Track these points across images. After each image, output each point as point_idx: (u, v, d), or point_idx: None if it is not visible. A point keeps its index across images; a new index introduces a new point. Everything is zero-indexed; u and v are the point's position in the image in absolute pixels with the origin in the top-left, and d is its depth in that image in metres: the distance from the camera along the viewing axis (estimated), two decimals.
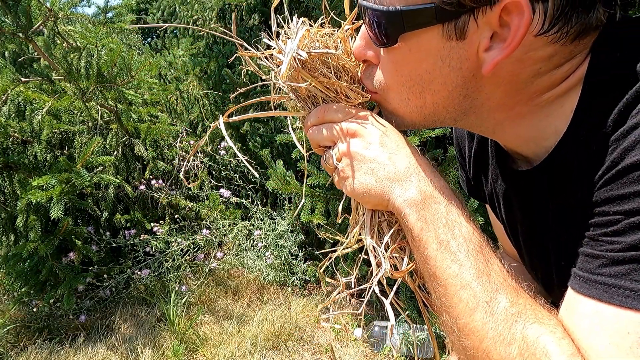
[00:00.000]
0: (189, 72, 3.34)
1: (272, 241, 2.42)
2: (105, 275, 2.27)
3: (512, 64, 0.43)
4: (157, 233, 2.41)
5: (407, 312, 1.82)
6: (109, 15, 2.43)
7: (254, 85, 0.65)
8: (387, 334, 1.83)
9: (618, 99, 0.41)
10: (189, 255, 2.48)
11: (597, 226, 0.42)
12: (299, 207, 2.01)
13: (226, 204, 2.57)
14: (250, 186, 2.66)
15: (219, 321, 2.15)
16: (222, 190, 2.61)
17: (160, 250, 2.38)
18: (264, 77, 0.56)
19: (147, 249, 2.38)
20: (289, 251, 2.38)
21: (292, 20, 0.53)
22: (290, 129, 0.60)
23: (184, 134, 2.90)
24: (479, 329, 0.44)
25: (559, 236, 0.51)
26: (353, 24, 0.55)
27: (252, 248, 2.48)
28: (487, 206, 0.77)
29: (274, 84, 0.55)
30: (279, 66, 0.52)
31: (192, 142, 2.78)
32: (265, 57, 0.54)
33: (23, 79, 2.16)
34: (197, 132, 3.02)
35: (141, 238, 2.36)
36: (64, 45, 2.41)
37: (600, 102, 0.43)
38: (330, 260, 0.57)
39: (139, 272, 2.33)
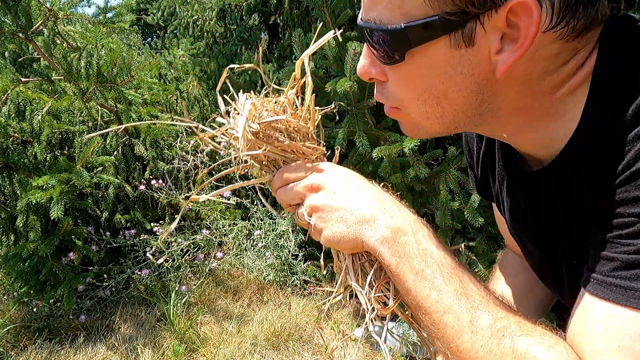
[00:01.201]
0: (189, 72, 3.34)
1: (272, 241, 2.42)
2: (105, 275, 2.27)
3: (523, 64, 0.43)
4: (157, 233, 2.41)
5: (407, 312, 1.82)
6: (109, 15, 2.43)
7: (218, 162, 0.69)
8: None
9: (628, 94, 0.41)
10: (189, 255, 2.48)
11: (611, 228, 0.41)
12: None
13: (226, 204, 2.57)
14: (250, 186, 2.67)
15: (219, 321, 2.15)
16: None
17: (160, 250, 2.38)
18: (223, 153, 0.59)
19: (147, 249, 2.38)
20: (289, 251, 2.38)
21: (238, 97, 0.56)
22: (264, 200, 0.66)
23: (184, 134, 2.90)
24: (469, 349, 0.45)
25: (568, 237, 0.51)
26: (293, 87, 0.57)
27: (252, 248, 2.48)
28: (494, 205, 0.77)
29: (234, 157, 0.57)
30: (236, 139, 0.55)
31: (192, 142, 2.78)
32: (222, 134, 0.57)
33: (23, 79, 2.16)
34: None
35: (141, 238, 2.36)
36: (64, 45, 2.41)
37: (609, 99, 0.42)
38: (326, 307, 0.59)
39: (139, 272, 2.33)
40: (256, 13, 3.53)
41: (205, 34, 3.99)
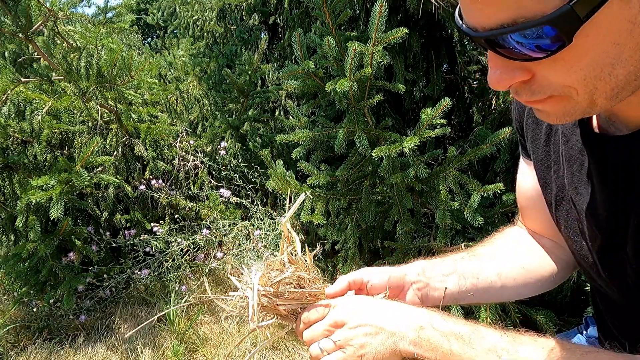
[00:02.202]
0: (189, 72, 3.34)
1: (272, 241, 2.42)
2: (105, 275, 2.27)
3: None
4: (157, 233, 2.41)
5: None
6: (109, 15, 2.43)
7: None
8: None
9: None
10: (189, 255, 2.48)
11: None
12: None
13: (226, 204, 2.56)
14: (250, 186, 2.66)
15: (219, 321, 2.15)
16: (222, 190, 2.60)
17: (160, 250, 2.38)
18: (247, 318, 0.66)
19: (147, 249, 2.38)
20: None
21: (249, 269, 0.66)
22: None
23: (184, 134, 2.90)
24: None
25: None
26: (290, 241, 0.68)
27: (252, 248, 2.48)
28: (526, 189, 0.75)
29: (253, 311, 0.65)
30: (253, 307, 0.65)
31: (192, 142, 2.78)
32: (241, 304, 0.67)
33: (23, 79, 2.16)
34: (197, 132, 3.03)
35: (141, 238, 2.36)
36: (64, 45, 2.41)
37: None
38: None
39: (139, 272, 2.33)
40: (256, 13, 3.53)
41: (205, 34, 3.99)
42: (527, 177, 0.75)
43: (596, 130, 0.55)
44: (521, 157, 0.76)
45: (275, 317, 0.67)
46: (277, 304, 0.65)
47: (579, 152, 0.57)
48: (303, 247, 0.70)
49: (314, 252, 0.72)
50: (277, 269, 0.66)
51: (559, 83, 0.42)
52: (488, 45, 0.41)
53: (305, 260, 0.69)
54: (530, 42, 0.38)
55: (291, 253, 0.69)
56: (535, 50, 0.39)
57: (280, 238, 2.44)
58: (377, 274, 0.69)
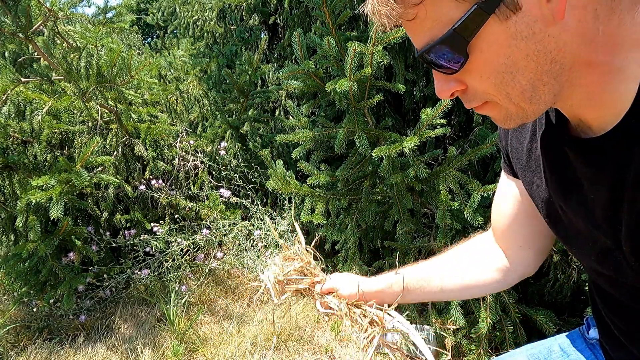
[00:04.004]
0: (189, 72, 3.34)
1: (272, 241, 2.42)
2: (105, 275, 2.27)
3: (572, 9, 0.44)
4: (157, 233, 2.41)
5: (406, 312, 1.82)
6: (109, 15, 2.43)
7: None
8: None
9: None
10: (189, 255, 2.48)
11: None
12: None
13: (226, 204, 2.56)
14: (250, 186, 2.66)
15: (219, 321, 2.15)
16: (222, 190, 2.61)
17: (160, 250, 2.38)
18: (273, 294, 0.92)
19: (147, 249, 2.38)
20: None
21: (272, 258, 0.94)
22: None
23: (184, 134, 2.90)
24: None
25: None
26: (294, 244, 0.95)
27: (252, 248, 2.48)
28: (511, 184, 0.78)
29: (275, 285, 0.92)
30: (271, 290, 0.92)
31: (192, 142, 2.78)
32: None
33: (23, 79, 2.16)
34: (197, 132, 3.02)
35: (141, 238, 2.36)
36: (63, 45, 2.41)
37: None
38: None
39: (139, 272, 2.33)
40: (256, 13, 3.53)
41: (205, 34, 3.99)
42: (507, 198, 0.79)
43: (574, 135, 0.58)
44: (502, 176, 0.80)
45: (290, 293, 0.91)
46: (288, 287, 0.90)
47: (561, 159, 0.59)
48: (309, 242, 0.96)
49: (313, 244, 0.97)
50: (290, 258, 0.92)
51: (481, 90, 0.51)
52: (424, 62, 0.52)
53: (310, 253, 0.94)
54: (445, 58, 0.49)
55: (298, 248, 0.94)
56: (451, 64, 0.49)
57: (280, 237, 2.45)
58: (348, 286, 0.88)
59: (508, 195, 0.78)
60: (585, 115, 0.53)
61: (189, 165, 2.71)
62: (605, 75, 0.48)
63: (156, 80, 2.99)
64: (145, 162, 2.54)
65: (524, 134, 0.69)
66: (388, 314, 0.83)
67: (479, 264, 0.86)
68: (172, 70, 3.49)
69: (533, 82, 0.48)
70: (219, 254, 2.53)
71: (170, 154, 2.65)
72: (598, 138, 0.52)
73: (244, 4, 3.51)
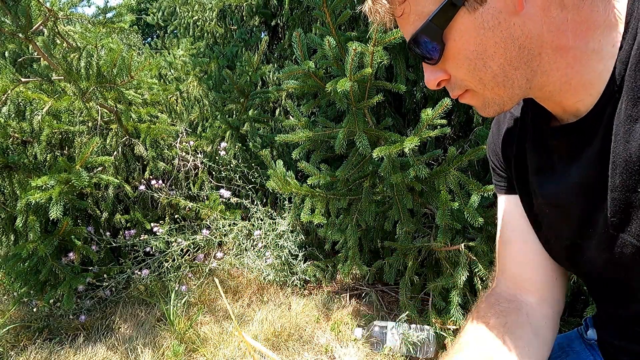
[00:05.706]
0: (189, 72, 3.34)
1: (272, 241, 2.42)
2: (105, 275, 2.27)
3: (532, 0, 0.47)
4: (157, 233, 2.41)
5: (407, 312, 1.82)
6: (109, 15, 2.43)
7: None
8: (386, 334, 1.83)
9: None
10: (189, 255, 2.48)
11: None
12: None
13: (226, 204, 2.56)
14: (250, 186, 2.66)
15: (219, 321, 2.15)
16: (222, 190, 2.60)
17: (160, 250, 2.38)
18: None
19: (147, 249, 2.38)
20: (289, 251, 2.38)
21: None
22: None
23: (184, 134, 2.90)
24: None
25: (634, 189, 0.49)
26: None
27: (252, 248, 2.48)
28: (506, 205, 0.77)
29: None
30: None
31: (192, 142, 2.78)
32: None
33: (23, 79, 2.16)
34: (197, 132, 3.02)
35: (141, 238, 2.36)
36: (63, 45, 2.41)
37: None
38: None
39: (138, 272, 2.33)
40: (257, 14, 3.53)
41: (205, 34, 3.99)
42: (516, 233, 0.74)
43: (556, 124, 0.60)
44: (500, 202, 0.78)
45: None
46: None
47: (547, 152, 0.62)
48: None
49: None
50: None
51: (460, 78, 0.56)
52: (412, 52, 0.57)
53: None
54: (426, 48, 0.54)
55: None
56: (432, 54, 0.54)
57: (280, 238, 2.45)
58: None
59: (517, 230, 0.73)
60: (567, 101, 0.55)
61: (189, 165, 2.71)
62: (578, 59, 0.51)
63: (156, 81, 2.99)
64: (145, 162, 2.54)
65: (511, 146, 0.70)
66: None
67: (525, 341, 0.68)
68: (172, 71, 3.49)
69: (503, 67, 0.52)
70: (219, 254, 2.53)
71: (170, 154, 2.65)
72: (577, 121, 0.54)
73: (245, 5, 3.51)
